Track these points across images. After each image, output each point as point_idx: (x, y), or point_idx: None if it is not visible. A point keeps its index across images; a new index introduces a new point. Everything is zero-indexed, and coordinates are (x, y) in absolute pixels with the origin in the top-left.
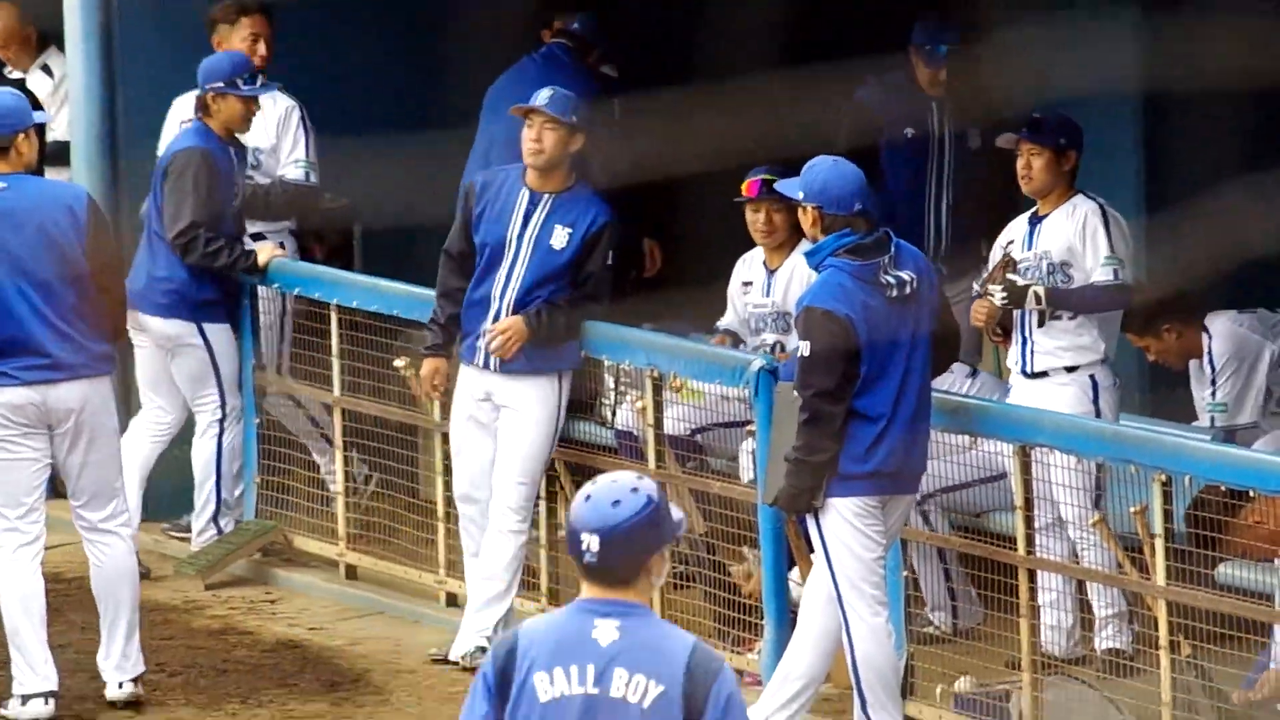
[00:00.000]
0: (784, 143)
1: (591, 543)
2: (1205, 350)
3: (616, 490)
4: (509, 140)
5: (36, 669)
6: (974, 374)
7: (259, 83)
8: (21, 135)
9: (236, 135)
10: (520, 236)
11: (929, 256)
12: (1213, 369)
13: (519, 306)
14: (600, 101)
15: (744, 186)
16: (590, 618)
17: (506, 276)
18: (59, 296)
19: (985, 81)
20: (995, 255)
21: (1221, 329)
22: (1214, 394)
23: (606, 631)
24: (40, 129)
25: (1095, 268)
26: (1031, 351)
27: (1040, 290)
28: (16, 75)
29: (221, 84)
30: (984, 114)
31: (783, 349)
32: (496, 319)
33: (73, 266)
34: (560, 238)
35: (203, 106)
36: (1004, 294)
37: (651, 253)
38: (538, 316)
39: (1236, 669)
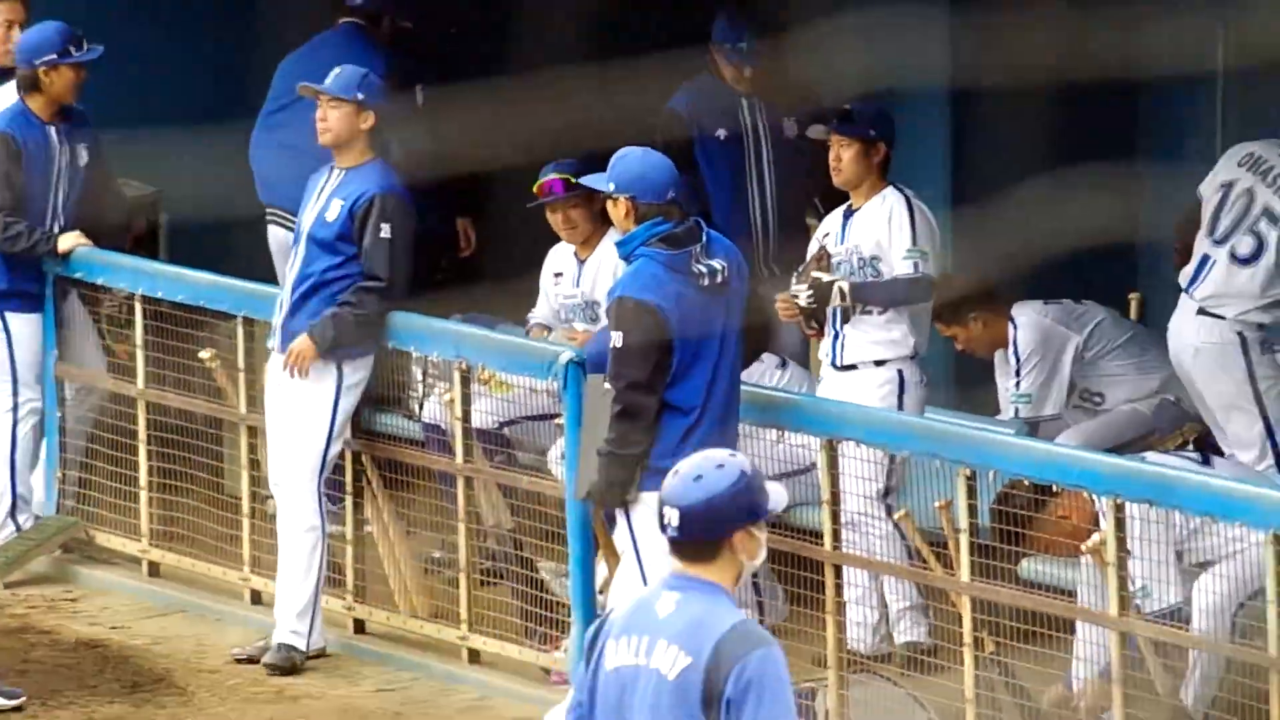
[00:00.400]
0: (597, 135)
1: (672, 517)
2: (1010, 340)
3: (702, 465)
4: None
5: None
6: (784, 365)
7: (85, 48)
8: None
9: (72, 106)
10: (308, 215)
11: (760, 255)
12: (1017, 359)
13: (298, 284)
14: (401, 79)
15: (536, 188)
16: (662, 591)
17: (295, 255)
18: None
19: (796, 74)
20: (813, 248)
21: (1027, 319)
22: (1018, 385)
23: (666, 604)
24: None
25: (898, 261)
26: (842, 345)
27: (845, 286)
28: None
29: (55, 55)
30: (797, 105)
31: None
32: (285, 305)
33: None
34: (333, 210)
35: (30, 84)
36: (809, 292)
37: (465, 232)
38: (322, 329)
39: (1040, 666)
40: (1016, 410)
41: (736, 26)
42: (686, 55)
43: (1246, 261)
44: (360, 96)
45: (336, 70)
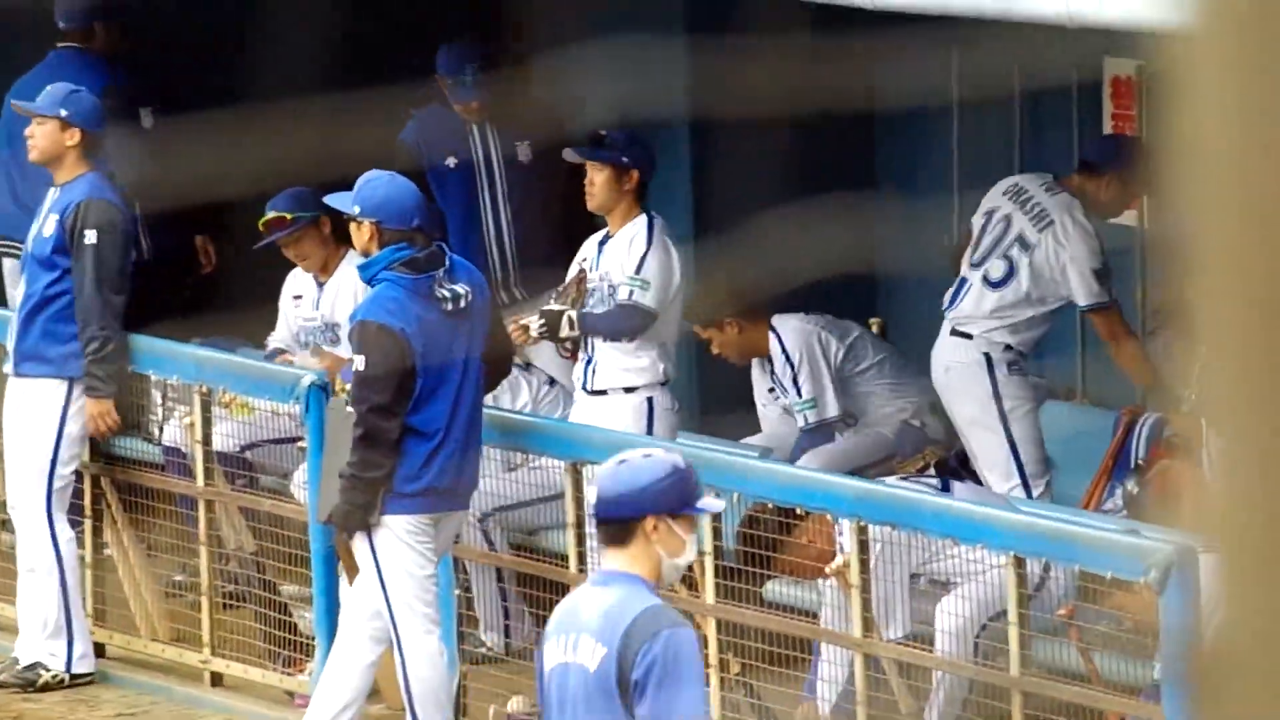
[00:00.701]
0: (335, 166)
1: (590, 494)
2: (778, 350)
3: (633, 454)
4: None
5: None
6: (551, 383)
7: None
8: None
9: None
10: (31, 235)
11: (498, 280)
12: (791, 367)
13: (24, 304)
14: (125, 100)
15: (261, 225)
16: (588, 587)
17: (21, 277)
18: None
19: (530, 99)
20: (572, 272)
21: (792, 327)
22: (799, 393)
23: (589, 599)
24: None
25: (620, 288)
26: (593, 370)
27: (573, 315)
28: None
29: None
30: (539, 130)
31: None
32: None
33: None
34: (49, 226)
35: None
36: (541, 322)
37: (204, 248)
38: (91, 378)
39: (785, 686)
40: (805, 416)
41: (458, 57)
42: (419, 86)
43: (997, 285)
44: (64, 113)
45: (48, 89)
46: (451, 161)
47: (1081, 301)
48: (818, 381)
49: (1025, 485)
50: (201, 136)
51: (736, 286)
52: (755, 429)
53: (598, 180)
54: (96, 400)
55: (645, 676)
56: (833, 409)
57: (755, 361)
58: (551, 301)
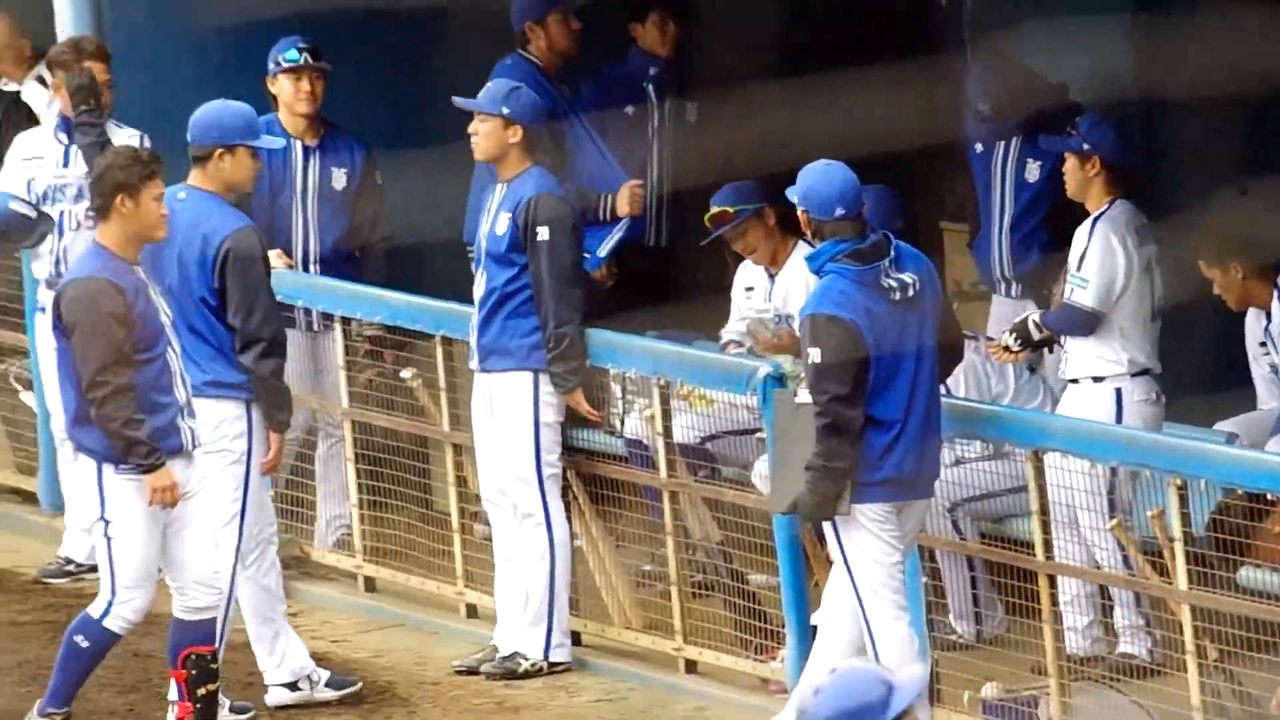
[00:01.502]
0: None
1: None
2: (1279, 308)
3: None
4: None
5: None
6: (1032, 370)
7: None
8: (221, 151)
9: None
10: (482, 233)
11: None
12: None
13: (484, 301)
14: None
15: (707, 220)
16: None
17: (479, 274)
18: (185, 313)
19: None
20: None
21: None
22: None
23: None
24: (253, 151)
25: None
26: (1067, 358)
27: (1035, 318)
28: (11, 87)
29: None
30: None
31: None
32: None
33: (191, 293)
34: (501, 224)
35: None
36: (1014, 335)
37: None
38: (555, 375)
39: (1268, 673)
40: None
41: None
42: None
43: None
44: (506, 110)
45: (488, 87)
46: (978, 147)
47: None
48: None
49: None
50: (746, 120)
51: (1249, 235)
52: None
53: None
54: (567, 394)
55: None
56: None
57: (1251, 312)
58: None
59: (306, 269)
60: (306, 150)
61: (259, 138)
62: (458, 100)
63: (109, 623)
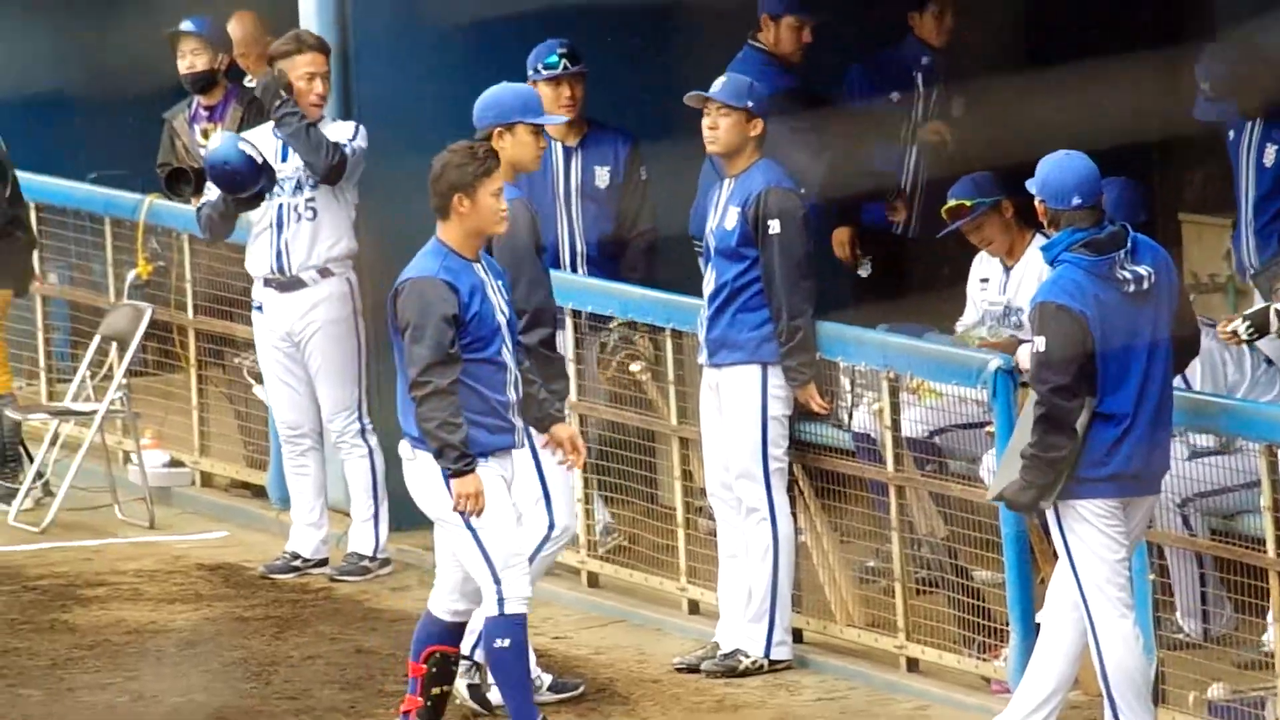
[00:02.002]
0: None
1: None
2: None
3: None
4: None
5: None
6: (1270, 364)
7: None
8: (500, 130)
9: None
10: (710, 227)
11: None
12: None
13: (713, 296)
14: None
15: (944, 213)
16: None
17: (707, 269)
18: None
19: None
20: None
21: None
22: None
23: None
24: (535, 130)
25: None
26: None
27: (1278, 307)
28: (254, 83)
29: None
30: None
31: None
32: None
33: None
34: (730, 218)
35: None
36: (1248, 325)
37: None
38: (788, 369)
39: None
40: None
41: None
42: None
43: None
44: (750, 104)
45: (723, 78)
46: (1230, 134)
47: None
48: None
49: None
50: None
51: None
52: None
53: None
54: (800, 387)
55: None
56: None
57: None
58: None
59: (574, 269)
60: (568, 151)
61: (539, 115)
62: (700, 94)
63: (509, 609)
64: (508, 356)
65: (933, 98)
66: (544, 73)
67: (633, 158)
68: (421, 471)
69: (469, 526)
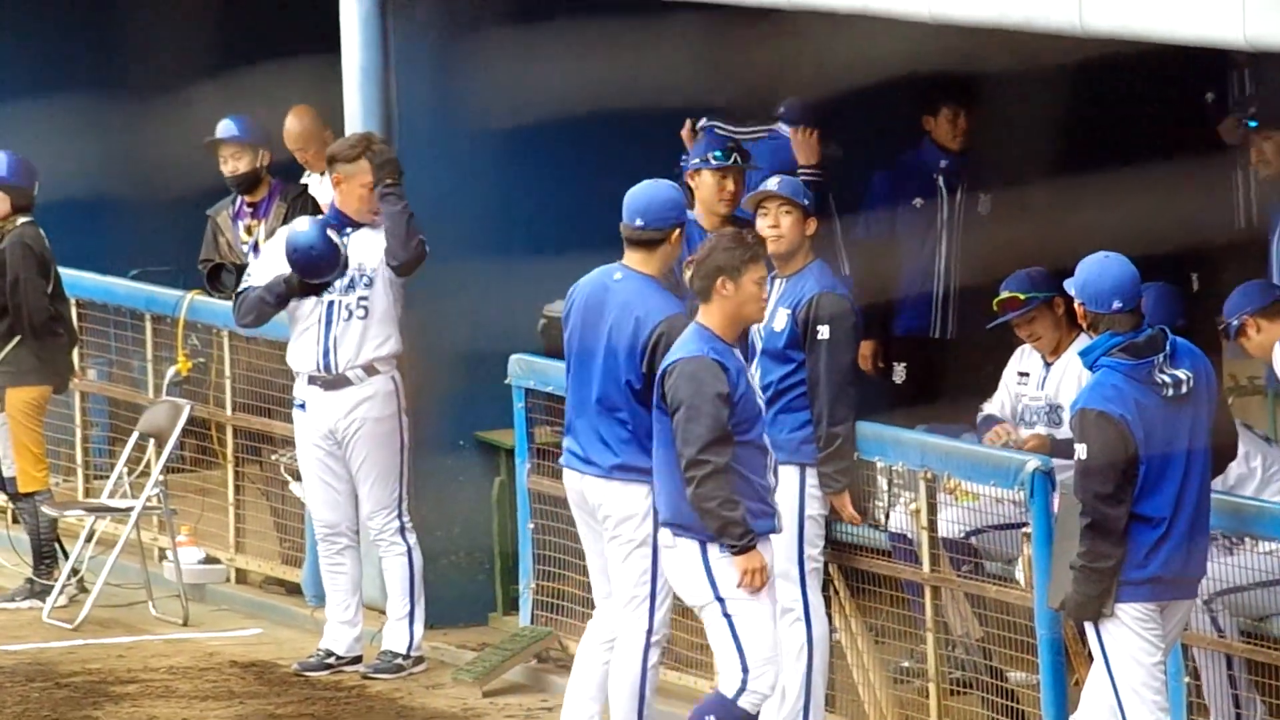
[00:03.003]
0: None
1: None
2: None
3: None
4: None
5: None
6: (1270, 441)
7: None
8: (679, 232)
9: None
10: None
11: None
12: None
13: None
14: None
15: (995, 305)
16: None
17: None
18: (606, 396)
19: None
20: None
21: None
22: None
23: None
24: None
25: None
26: None
27: None
28: (314, 178)
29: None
30: None
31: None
32: None
33: (617, 373)
34: (780, 320)
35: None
36: None
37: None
38: (824, 476)
39: None
40: None
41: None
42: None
43: None
44: (806, 203)
45: (777, 178)
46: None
47: None
48: None
49: None
50: (1032, 211)
51: None
52: None
53: None
54: (835, 495)
55: None
56: None
57: None
58: None
59: None
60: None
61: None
62: (767, 190)
63: (744, 701)
64: (767, 441)
65: (958, 199)
66: (714, 163)
67: None
68: (682, 559)
69: (725, 614)
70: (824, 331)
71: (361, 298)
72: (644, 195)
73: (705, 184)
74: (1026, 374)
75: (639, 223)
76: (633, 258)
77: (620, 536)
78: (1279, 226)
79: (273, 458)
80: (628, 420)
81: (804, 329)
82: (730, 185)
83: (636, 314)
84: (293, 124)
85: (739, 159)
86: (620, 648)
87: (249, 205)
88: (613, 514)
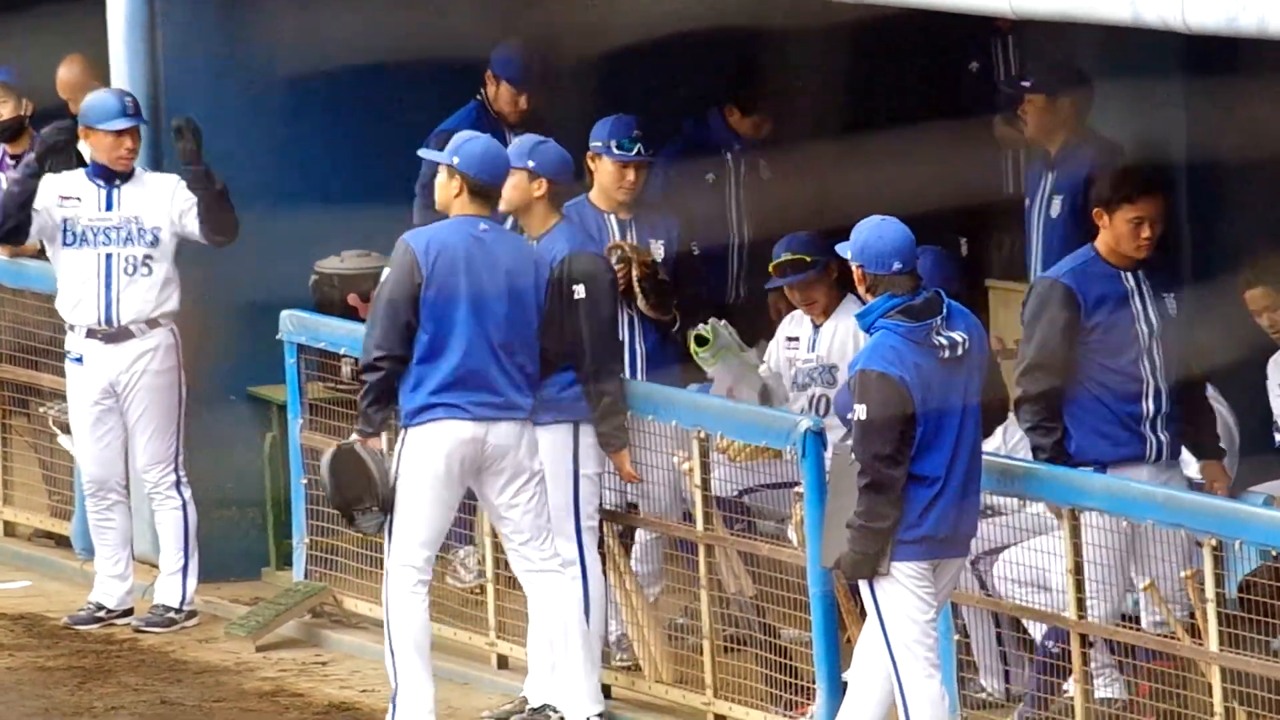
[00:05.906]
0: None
1: None
2: None
3: None
4: None
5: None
6: None
7: None
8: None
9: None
10: None
11: None
12: None
13: None
14: None
15: (772, 268)
16: None
17: None
18: (512, 341)
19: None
20: None
21: None
22: None
23: None
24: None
25: None
26: None
27: None
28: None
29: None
30: None
31: (828, 403)
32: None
33: (525, 318)
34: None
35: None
36: None
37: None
38: (603, 435)
39: None
40: None
41: None
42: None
43: None
44: (531, 164)
45: (516, 141)
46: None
47: None
48: None
49: None
50: (813, 173)
51: None
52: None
53: None
54: (615, 453)
55: None
56: None
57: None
58: None
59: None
60: (622, 224)
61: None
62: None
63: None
64: None
65: (742, 168)
66: (616, 153)
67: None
68: None
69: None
70: (580, 290)
71: (146, 255)
72: (486, 152)
73: (605, 170)
74: (796, 338)
75: (485, 179)
76: (484, 208)
77: (541, 473)
78: (1037, 190)
79: (40, 410)
80: (527, 364)
81: (558, 289)
82: (631, 175)
83: (529, 257)
84: (64, 73)
85: (642, 150)
86: (553, 582)
87: (11, 156)
88: (532, 454)
